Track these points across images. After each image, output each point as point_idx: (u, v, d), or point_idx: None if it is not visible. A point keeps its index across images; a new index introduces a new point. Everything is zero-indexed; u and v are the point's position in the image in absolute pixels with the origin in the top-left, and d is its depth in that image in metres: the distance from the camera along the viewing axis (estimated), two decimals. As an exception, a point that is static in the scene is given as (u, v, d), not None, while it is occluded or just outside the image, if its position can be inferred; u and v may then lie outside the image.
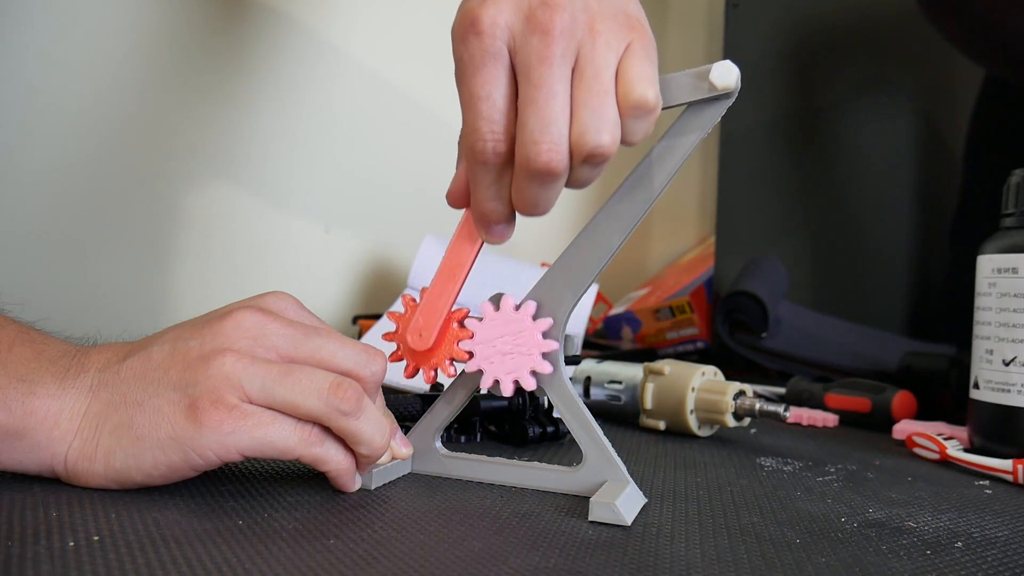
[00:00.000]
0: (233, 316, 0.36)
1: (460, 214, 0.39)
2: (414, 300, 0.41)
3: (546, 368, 0.39)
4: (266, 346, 0.35)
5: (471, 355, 0.40)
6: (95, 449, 0.34)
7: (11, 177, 0.64)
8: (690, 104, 0.37)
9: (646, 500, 0.39)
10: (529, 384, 0.39)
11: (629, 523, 0.35)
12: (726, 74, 0.36)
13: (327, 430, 0.36)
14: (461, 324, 0.40)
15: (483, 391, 0.40)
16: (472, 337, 0.39)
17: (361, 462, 0.37)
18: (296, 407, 0.35)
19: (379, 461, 0.39)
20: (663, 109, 0.37)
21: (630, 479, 0.38)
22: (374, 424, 0.36)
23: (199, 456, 0.34)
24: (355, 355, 0.37)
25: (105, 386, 0.35)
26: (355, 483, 0.38)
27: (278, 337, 0.36)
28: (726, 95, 0.37)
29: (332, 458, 0.36)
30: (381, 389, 0.39)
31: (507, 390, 0.39)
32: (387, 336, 0.41)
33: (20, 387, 0.34)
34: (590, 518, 0.35)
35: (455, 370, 0.40)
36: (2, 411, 0.33)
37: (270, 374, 0.34)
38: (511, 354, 0.39)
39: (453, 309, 0.40)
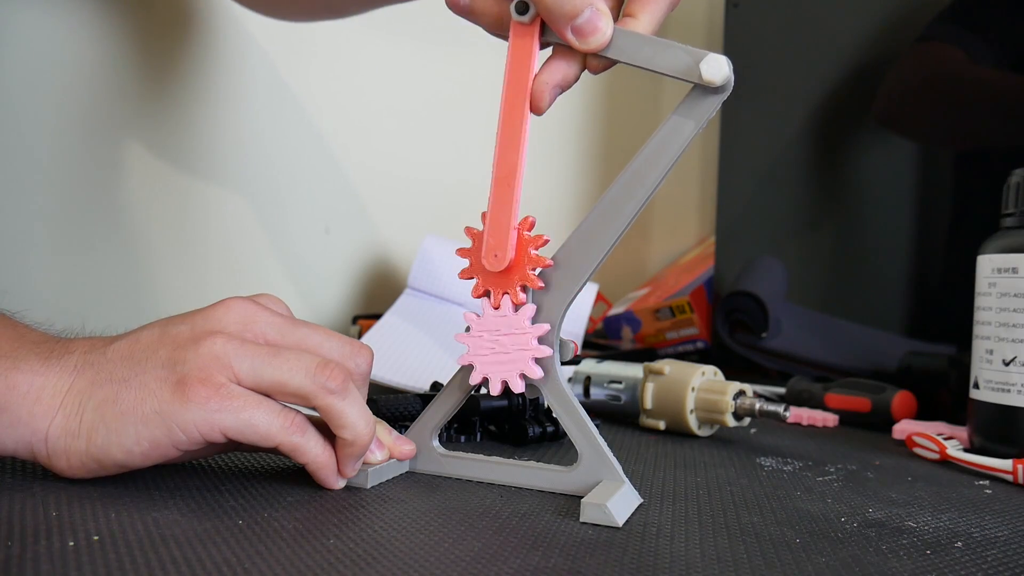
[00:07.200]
0: (223, 303, 0.37)
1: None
2: (479, 231, 0.40)
3: (537, 373, 0.39)
4: (255, 331, 0.36)
5: (544, 286, 0.39)
6: (78, 425, 0.34)
7: (3, 177, 0.64)
8: (681, 102, 0.36)
9: (641, 501, 0.39)
10: (518, 386, 0.39)
11: (620, 524, 0.35)
12: (716, 69, 0.34)
13: (310, 423, 0.36)
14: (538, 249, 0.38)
15: (475, 390, 0.40)
16: (551, 266, 0.39)
17: (344, 452, 0.37)
18: (284, 385, 0.35)
19: (378, 461, 0.39)
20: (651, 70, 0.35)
21: (625, 479, 0.38)
22: (359, 409, 0.36)
23: (182, 431, 0.34)
24: (340, 346, 0.38)
25: (90, 366, 0.35)
26: (337, 480, 0.38)
27: (266, 324, 0.37)
28: (718, 90, 0.35)
29: (311, 450, 0.36)
30: (368, 385, 0.40)
31: (495, 389, 0.39)
32: (462, 274, 0.40)
33: (2, 363, 0.34)
34: (581, 519, 0.35)
35: (526, 297, 0.39)
36: None
37: (259, 355, 0.35)
38: (506, 354, 0.39)
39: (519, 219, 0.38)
